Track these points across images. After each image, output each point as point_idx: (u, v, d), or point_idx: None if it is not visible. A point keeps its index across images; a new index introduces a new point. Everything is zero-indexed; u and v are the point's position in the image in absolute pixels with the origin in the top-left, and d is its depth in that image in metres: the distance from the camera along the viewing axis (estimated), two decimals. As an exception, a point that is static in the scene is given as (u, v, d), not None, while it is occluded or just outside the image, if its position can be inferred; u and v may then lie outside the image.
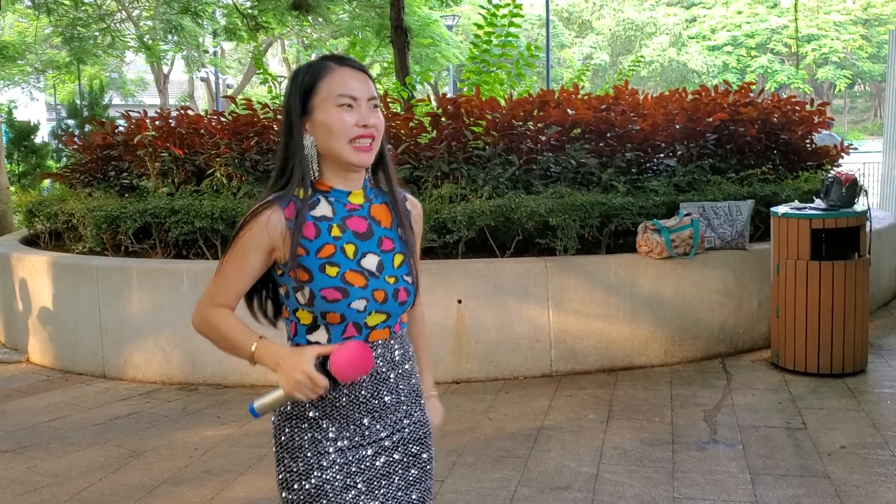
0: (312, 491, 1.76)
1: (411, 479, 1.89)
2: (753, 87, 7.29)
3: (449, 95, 7.78)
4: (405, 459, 1.89)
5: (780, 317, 5.38)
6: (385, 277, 1.81)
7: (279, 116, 6.46)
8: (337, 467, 1.78)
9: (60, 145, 15.12)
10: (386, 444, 1.85)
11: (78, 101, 18.34)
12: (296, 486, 1.77)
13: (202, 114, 7.30)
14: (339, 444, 1.79)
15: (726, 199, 6.02)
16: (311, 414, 1.79)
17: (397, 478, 1.87)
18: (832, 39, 43.14)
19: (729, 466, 3.95)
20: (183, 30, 16.88)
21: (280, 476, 1.81)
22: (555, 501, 3.62)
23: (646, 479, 3.82)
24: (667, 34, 45.07)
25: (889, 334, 6.22)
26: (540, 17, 39.17)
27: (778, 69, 43.92)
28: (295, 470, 1.78)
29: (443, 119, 6.10)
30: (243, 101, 6.78)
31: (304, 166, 1.78)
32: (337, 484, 1.77)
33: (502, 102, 6.40)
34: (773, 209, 5.52)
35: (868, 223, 5.35)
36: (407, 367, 1.90)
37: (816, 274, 5.18)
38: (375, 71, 24.57)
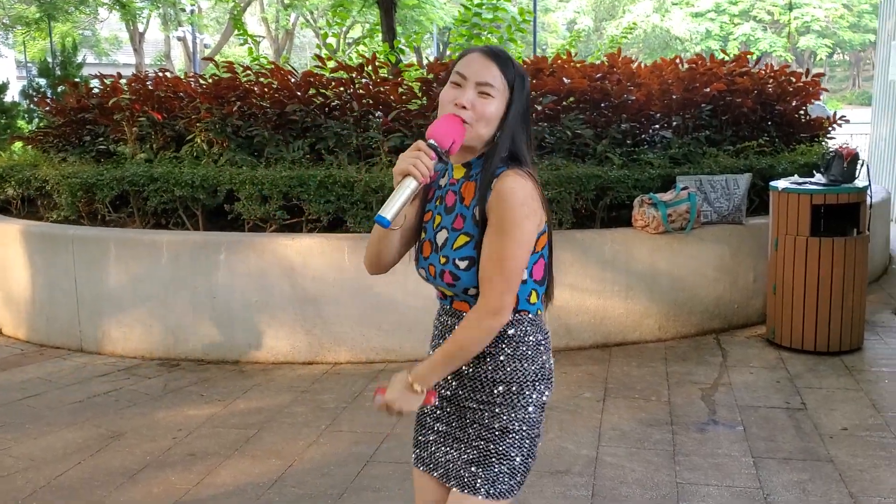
0: (419, 415, 2.06)
1: (471, 458, 1.92)
2: (751, 56, 7.12)
3: (434, 60, 7.55)
4: (474, 437, 1.93)
5: (778, 293, 5.27)
6: (440, 256, 1.87)
7: (261, 79, 6.24)
8: (433, 407, 2.00)
9: (32, 106, 14.66)
10: (468, 413, 1.94)
11: (49, 60, 17.81)
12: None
13: (180, 76, 7.02)
14: (439, 389, 1.98)
15: (723, 172, 5.88)
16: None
17: (464, 447, 1.94)
18: (815, 8, 42.96)
19: (730, 449, 3.85)
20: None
21: None
22: (555, 486, 3.51)
23: (647, 462, 3.71)
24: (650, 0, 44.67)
25: (882, 310, 6.15)
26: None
27: (760, 37, 43.70)
28: None
29: (434, 85, 5.88)
30: (224, 63, 6.51)
31: None
32: (429, 419, 2.03)
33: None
34: (772, 184, 5.38)
35: (869, 199, 5.24)
36: (492, 350, 1.88)
37: (816, 250, 5.07)
38: (357, 32, 24.13)
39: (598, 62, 6.95)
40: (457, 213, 1.88)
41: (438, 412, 2.01)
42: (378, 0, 9.21)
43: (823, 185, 5.18)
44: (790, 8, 35.66)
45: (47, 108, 7.42)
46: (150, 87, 6.41)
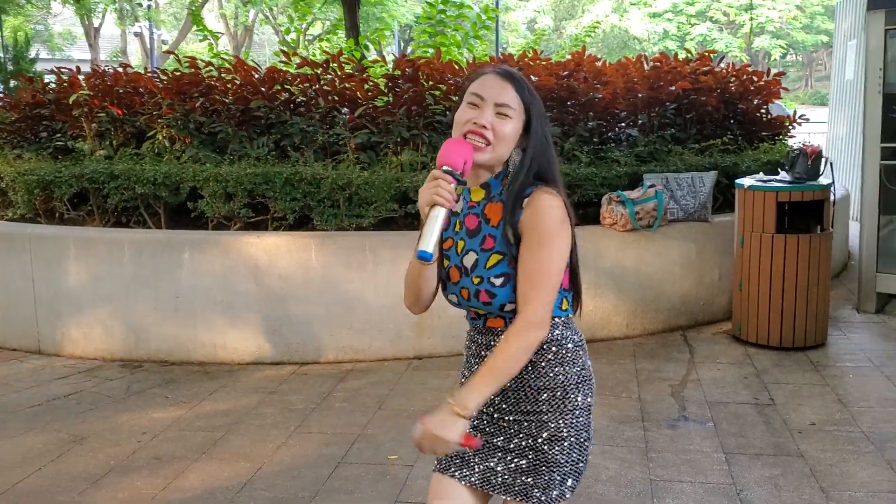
0: None
1: (521, 468, 1.92)
2: (714, 54, 7.18)
3: (397, 57, 7.48)
4: (521, 448, 1.92)
5: (744, 290, 5.32)
6: (473, 277, 1.88)
7: (223, 75, 6.12)
8: (472, 423, 1.91)
9: (-17, 102, 14.27)
10: (513, 426, 1.93)
11: (1, 54, 17.35)
12: None
13: (140, 71, 6.86)
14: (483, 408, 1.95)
15: (689, 169, 5.92)
16: (462, 367, 2.07)
17: (509, 457, 1.93)
18: (769, 9, 43.66)
19: (702, 445, 3.86)
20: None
21: None
22: (529, 486, 3.48)
23: (620, 459, 3.71)
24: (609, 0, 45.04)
25: (843, 306, 6.24)
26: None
27: (717, 38, 44.30)
28: None
29: (400, 82, 5.83)
30: (186, 59, 6.38)
31: None
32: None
33: (464, 65, 6.15)
34: (738, 181, 5.43)
35: (832, 196, 5.31)
36: (532, 358, 1.86)
37: (781, 247, 5.13)
38: (317, 30, 23.94)
39: (563, 60, 6.95)
40: (484, 234, 1.89)
41: (476, 422, 1.96)
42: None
43: (788, 182, 5.24)
44: (750, 7, 36.20)
45: (0, 104, 7.20)
46: (109, 83, 6.26)
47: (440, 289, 1.98)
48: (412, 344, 5.16)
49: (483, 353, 1.95)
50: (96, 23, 25.13)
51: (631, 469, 3.62)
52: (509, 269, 1.84)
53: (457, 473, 1.98)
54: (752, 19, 39.52)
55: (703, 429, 4.06)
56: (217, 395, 4.64)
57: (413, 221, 5.35)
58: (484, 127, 1.81)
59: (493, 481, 1.95)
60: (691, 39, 43.47)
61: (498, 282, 1.84)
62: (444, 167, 1.75)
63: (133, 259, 5.18)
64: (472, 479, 1.97)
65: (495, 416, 1.95)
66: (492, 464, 1.95)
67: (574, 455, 1.91)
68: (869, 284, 6.00)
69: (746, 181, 5.34)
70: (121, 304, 5.23)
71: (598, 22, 16.88)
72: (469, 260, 1.89)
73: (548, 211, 1.81)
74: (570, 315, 1.98)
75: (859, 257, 6.13)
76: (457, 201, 1.90)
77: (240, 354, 5.16)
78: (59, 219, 5.85)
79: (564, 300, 1.94)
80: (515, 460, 1.92)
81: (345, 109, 5.83)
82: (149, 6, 25.38)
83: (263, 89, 5.91)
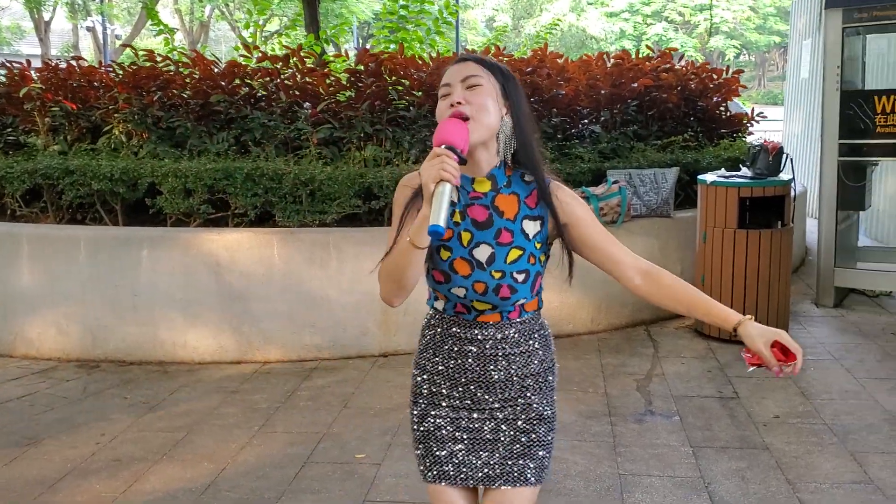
0: (426, 433, 1.98)
1: (515, 452, 1.95)
2: (675, 51, 7.24)
3: (360, 52, 7.40)
4: (512, 433, 1.95)
5: (706, 284, 5.36)
6: (492, 271, 1.85)
7: (181, 69, 6.00)
8: (448, 420, 1.96)
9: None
10: (497, 415, 1.95)
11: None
12: (414, 428, 2.02)
13: (95, 65, 6.69)
14: (451, 401, 1.96)
15: (651, 166, 5.95)
16: (429, 368, 1.99)
17: (501, 447, 1.95)
18: (723, 10, 44.32)
19: (669, 439, 3.87)
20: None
21: (409, 417, 2.05)
22: (498, 483, 3.45)
23: (589, 454, 3.70)
24: (567, -1, 45.32)
25: (802, 301, 6.33)
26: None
27: (672, 37, 44.86)
28: (416, 413, 2.01)
29: (363, 77, 5.77)
30: (144, 52, 6.24)
31: None
32: (444, 432, 1.96)
33: (428, 61, 6.10)
34: (700, 177, 5.47)
35: (793, 192, 5.37)
36: (522, 349, 1.94)
37: (743, 242, 5.18)
38: (274, 26, 23.66)
39: (525, 57, 6.95)
40: (498, 227, 1.86)
41: (460, 421, 1.96)
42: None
43: (750, 178, 5.29)
44: (710, 7, 36.77)
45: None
46: (62, 76, 6.09)
47: (437, 282, 1.91)
48: (378, 341, 5.10)
49: (467, 347, 1.93)
50: (47, 17, 24.54)
51: (600, 464, 3.61)
52: (528, 266, 1.86)
53: (459, 480, 1.97)
54: (710, 18, 40.10)
55: (670, 423, 4.08)
56: (177, 394, 4.54)
57: (377, 217, 5.29)
58: (459, 103, 1.79)
59: (493, 474, 1.95)
60: (647, 39, 43.92)
61: (520, 277, 1.85)
62: (445, 145, 1.71)
63: (90, 257, 5.05)
64: (472, 482, 1.97)
65: (481, 410, 1.96)
66: (485, 459, 1.96)
67: (553, 432, 2.01)
68: (827, 279, 6.09)
69: (709, 177, 5.38)
70: (77, 303, 5.09)
71: (558, 19, 16.95)
72: (482, 253, 1.85)
73: (576, 198, 1.93)
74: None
75: (818, 252, 6.22)
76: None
77: (200, 353, 5.05)
78: (11, 216, 5.68)
79: (538, 298, 1.99)
80: (511, 447, 1.95)
81: (307, 104, 5.75)
82: (102, 0, 24.86)
83: (223, 83, 5.81)
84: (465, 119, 1.77)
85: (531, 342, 1.95)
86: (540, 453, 1.96)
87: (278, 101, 5.75)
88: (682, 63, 7.38)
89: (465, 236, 1.87)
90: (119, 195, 5.33)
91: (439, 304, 1.97)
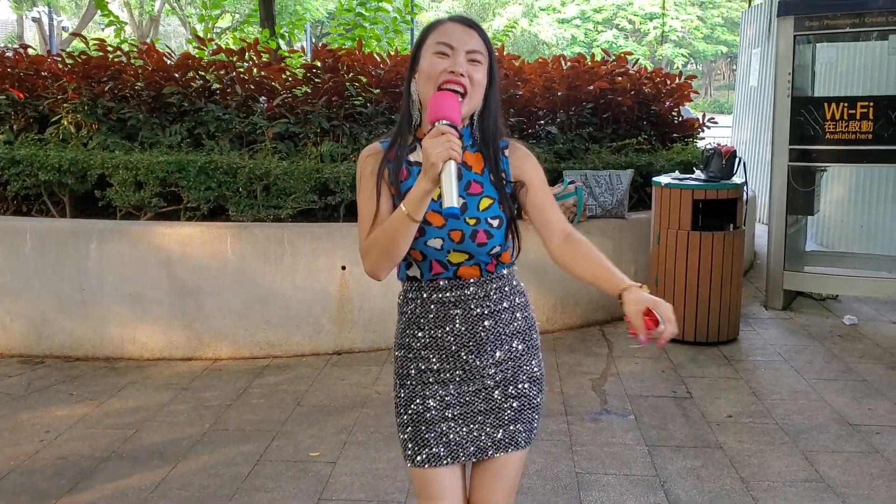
0: (413, 415, 1.95)
1: (507, 418, 1.96)
2: (631, 56, 7.31)
3: (317, 47, 7.33)
4: (502, 399, 1.95)
5: (660, 286, 5.41)
6: (465, 218, 1.86)
7: (133, 60, 5.86)
8: (438, 398, 1.94)
9: None
10: (489, 382, 1.95)
11: None
12: (400, 412, 1.98)
13: (43, 55, 6.50)
14: (441, 375, 1.94)
15: (606, 167, 6.00)
16: (415, 344, 1.95)
17: (493, 416, 1.95)
18: (672, 19, 45.07)
19: (625, 438, 3.89)
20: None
21: (394, 401, 2.02)
22: (455, 480, 3.43)
23: (545, 453, 3.69)
24: (519, 4, 45.64)
25: (752, 303, 6.43)
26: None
27: (622, 45, 45.50)
28: (402, 396, 1.97)
29: (320, 72, 5.70)
30: (95, 41, 6.08)
31: (406, 113, 1.91)
32: (434, 413, 1.94)
33: (386, 58, 6.06)
34: (655, 179, 5.53)
35: (745, 195, 5.46)
36: (505, 305, 1.95)
37: (696, 244, 5.24)
38: (225, 22, 23.35)
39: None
40: (467, 179, 1.89)
41: (445, 397, 1.95)
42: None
43: (703, 181, 5.36)
44: (662, 16, 37.43)
45: None
46: (7, 65, 5.90)
47: (415, 238, 1.88)
48: (332, 339, 5.04)
49: (452, 311, 1.92)
50: (-10, 6, 23.86)
51: (557, 463, 3.61)
52: (501, 212, 1.89)
53: (449, 459, 1.95)
54: (662, 25, 40.78)
55: (625, 422, 4.10)
56: (126, 391, 4.42)
57: (333, 213, 5.23)
58: (462, 75, 1.79)
59: (485, 445, 1.96)
60: (598, 46, 44.50)
61: (495, 223, 1.88)
62: (445, 122, 1.69)
63: (35, 249, 4.90)
64: (468, 454, 1.96)
65: (463, 381, 1.95)
66: (476, 429, 1.96)
67: (542, 394, 2.03)
68: (777, 282, 6.21)
69: (663, 179, 5.44)
70: (21, 297, 4.93)
71: (515, 21, 17.04)
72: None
73: (531, 158, 1.98)
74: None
75: (767, 256, 6.34)
76: (411, 153, 1.94)
77: (149, 349, 4.93)
78: (-48, 206, 5.48)
79: (510, 250, 2.01)
80: (501, 414, 1.96)
81: (262, 98, 5.66)
82: (48, -9, 24.27)
83: (177, 75, 5.69)
84: (463, 94, 1.79)
85: (513, 297, 1.98)
86: (530, 415, 1.99)
87: (234, 94, 5.66)
88: (636, 68, 7.46)
89: (436, 192, 1.84)
90: (67, 187, 5.19)
91: (413, 272, 1.95)
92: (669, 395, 4.46)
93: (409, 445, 1.96)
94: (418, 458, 1.95)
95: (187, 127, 5.49)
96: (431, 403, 1.94)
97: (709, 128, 8.05)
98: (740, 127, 11.30)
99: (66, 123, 5.56)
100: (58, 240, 4.92)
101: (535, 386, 2.00)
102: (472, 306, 1.92)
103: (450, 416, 1.94)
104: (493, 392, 1.96)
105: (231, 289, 4.92)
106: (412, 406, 1.95)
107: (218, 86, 5.77)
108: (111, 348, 4.92)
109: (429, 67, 1.82)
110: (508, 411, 1.96)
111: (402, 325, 2.00)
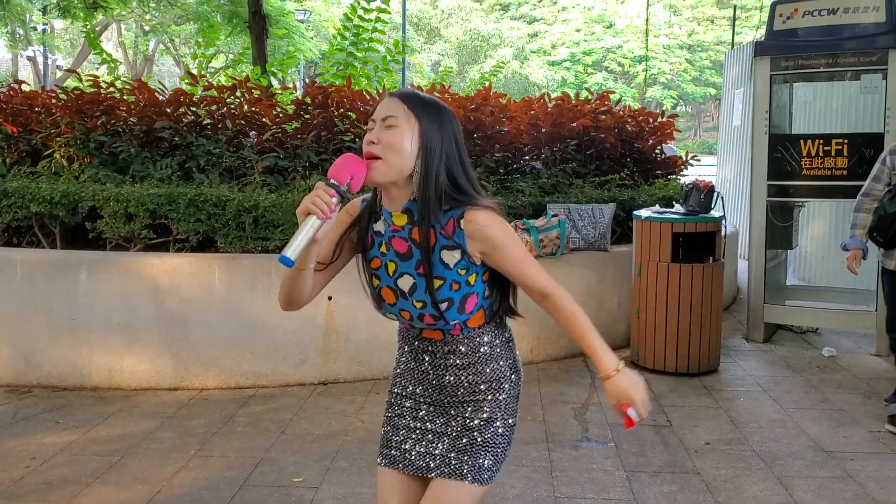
0: (390, 418, 2.11)
1: (459, 447, 1.99)
2: (613, 95, 7.49)
3: (308, 84, 7.49)
4: (459, 429, 2.00)
5: (641, 317, 5.51)
6: (413, 301, 1.93)
7: (126, 97, 5.99)
8: (409, 409, 2.08)
9: None
10: (451, 411, 2.02)
11: None
12: (386, 410, 2.15)
13: (37, 90, 6.64)
14: (415, 395, 2.07)
15: (589, 202, 6.12)
16: (401, 366, 2.12)
17: (448, 440, 2.00)
18: (661, 62, 45.81)
19: (604, 464, 3.95)
20: (9, 3, 15.53)
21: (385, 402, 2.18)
22: None
23: (525, 478, 3.75)
24: (511, 47, 46.34)
25: (733, 335, 6.53)
26: (392, 20, 39.13)
27: (612, 87, 46.12)
28: (388, 401, 2.15)
29: (310, 108, 5.84)
30: (89, 77, 6.21)
31: None
32: (404, 420, 2.07)
33: (375, 95, 6.21)
34: (635, 213, 5.65)
35: (723, 229, 5.58)
36: (474, 359, 1.99)
37: (676, 276, 5.34)
38: (220, 62, 23.64)
39: (470, 95, 7.12)
40: (417, 258, 1.91)
41: (417, 412, 2.07)
42: (249, 25, 9.08)
43: (683, 214, 5.48)
44: (647, 59, 38.07)
45: None
46: (2, 99, 6.03)
47: (375, 305, 2.02)
48: (318, 369, 5.10)
49: (421, 355, 2.04)
50: (-14, 46, 24.13)
51: (536, 487, 3.67)
52: (451, 292, 1.90)
53: (400, 465, 2.06)
54: (647, 69, 41.40)
55: (605, 448, 4.16)
56: (112, 419, 4.46)
57: (320, 246, 5.32)
58: (372, 143, 1.83)
59: (431, 464, 2.02)
60: (587, 88, 45.11)
61: (443, 306, 1.90)
62: (330, 180, 1.75)
63: (25, 279, 4.96)
64: (413, 467, 2.04)
65: (432, 405, 2.05)
66: (428, 450, 2.03)
67: (506, 438, 2.03)
68: (757, 315, 6.31)
69: (644, 212, 5.56)
70: (10, 326, 4.98)
71: (503, 62, 17.33)
72: (405, 283, 1.93)
73: (493, 225, 1.87)
74: (503, 316, 2.09)
75: (748, 289, 6.44)
76: (375, 222, 1.98)
77: (136, 379, 4.98)
78: (-57, 238, 5.56)
79: (493, 304, 2.03)
80: (455, 441, 2.00)
81: (252, 133, 5.79)
82: (43, 30, 24.56)
83: (168, 110, 5.81)
84: (376, 158, 1.82)
85: (483, 349, 2.00)
86: (482, 456, 1.97)
87: (224, 129, 5.78)
88: (619, 107, 7.64)
89: (391, 266, 1.95)
90: (58, 218, 5.27)
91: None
92: (649, 424, 4.52)
93: (380, 444, 2.11)
94: (379, 456, 2.10)
95: (178, 160, 5.60)
96: (404, 412, 2.09)
97: (692, 165, 8.22)
98: (724, 165, 11.49)
99: (58, 157, 5.67)
100: (48, 270, 4.99)
101: (489, 427, 1.99)
102: (439, 357, 2.01)
103: (414, 427, 2.06)
104: (452, 421, 2.02)
105: (219, 319, 4.99)
106: (392, 409, 2.11)
107: (209, 121, 5.89)
108: (99, 378, 4.97)
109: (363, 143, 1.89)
110: (463, 440, 1.99)
111: (398, 343, 2.15)
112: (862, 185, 4.78)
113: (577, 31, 49.21)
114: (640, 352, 5.54)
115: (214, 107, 5.97)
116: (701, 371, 5.43)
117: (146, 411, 4.61)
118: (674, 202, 5.95)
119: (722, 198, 5.69)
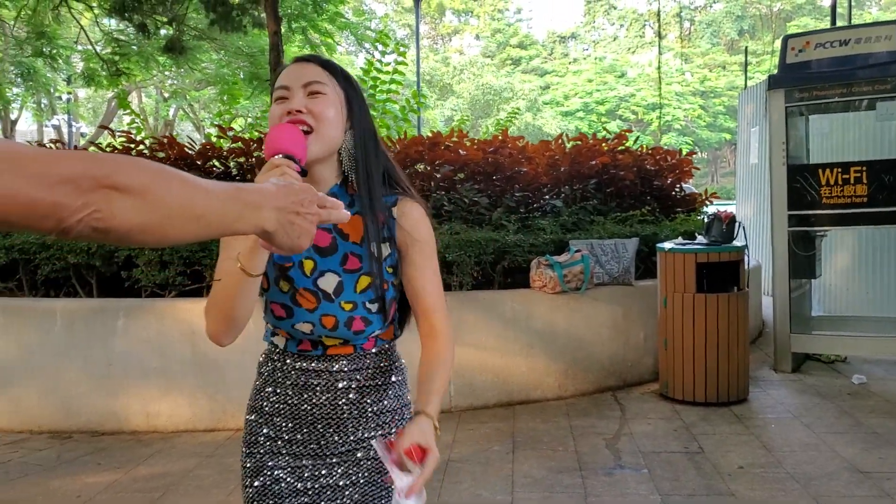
0: (260, 489, 1.67)
1: (372, 494, 1.68)
2: (630, 134, 7.64)
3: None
4: (367, 474, 1.68)
5: (669, 348, 5.55)
6: (341, 302, 1.62)
7: (157, 153, 6.19)
8: (289, 470, 1.67)
9: None
10: (350, 457, 1.67)
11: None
12: (245, 485, 1.69)
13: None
14: (292, 447, 1.67)
15: (611, 237, 6.21)
16: (267, 409, 1.70)
17: (357, 492, 1.67)
18: (675, 108, 46.22)
19: (638, 489, 3.98)
20: (36, 73, 16.05)
21: (240, 472, 1.73)
22: (474, 530, 3.52)
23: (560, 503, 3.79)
24: (523, 99, 46.96)
25: (762, 367, 6.53)
26: (406, 78, 39.85)
27: (627, 135, 46.44)
28: (248, 467, 1.70)
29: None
30: (122, 132, 6.44)
31: None
32: (283, 485, 1.66)
33: (395, 142, 6.38)
34: (658, 245, 5.73)
35: (746, 258, 5.64)
36: (378, 382, 1.70)
37: (702, 306, 5.40)
38: (239, 126, 24.17)
39: (488, 139, 7.29)
40: (343, 252, 1.63)
41: (303, 470, 1.67)
42: (271, 83, 9.36)
43: (705, 244, 5.56)
44: (660, 107, 38.53)
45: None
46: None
47: (277, 318, 1.66)
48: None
49: (312, 381, 1.67)
50: (13, 116, 24.82)
51: (572, 512, 3.70)
52: (380, 291, 1.65)
53: None
54: (660, 116, 41.79)
55: (639, 475, 4.18)
56: (152, 459, 4.55)
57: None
58: (300, 111, 1.56)
59: None
60: (605, 128, 45.45)
61: (374, 308, 1.64)
62: (281, 154, 1.45)
63: (65, 328, 5.10)
64: None
65: (332, 458, 1.67)
66: None
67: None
68: (784, 345, 6.32)
69: (667, 244, 5.65)
70: (51, 374, 5.11)
71: (518, 109, 17.59)
72: (328, 283, 1.62)
73: (424, 220, 1.67)
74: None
75: (773, 320, 6.46)
76: None
77: (174, 422, 5.07)
78: (-16, 292, 5.72)
79: (395, 326, 1.78)
80: (365, 488, 1.68)
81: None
82: (68, 100, 25.30)
83: (198, 163, 6.00)
84: (308, 132, 1.55)
85: (389, 374, 1.73)
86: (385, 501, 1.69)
87: (252, 180, 5.94)
88: (637, 146, 7.78)
89: (308, 265, 1.63)
90: (95, 269, 5.43)
91: (279, 341, 1.70)
92: (681, 451, 4.54)
93: None
94: None
95: (209, 210, 5.75)
96: (281, 474, 1.67)
97: (711, 203, 8.31)
98: (744, 204, 11.55)
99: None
100: (86, 318, 5.13)
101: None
102: (338, 378, 1.66)
103: (302, 489, 1.66)
104: (353, 467, 1.67)
105: (252, 359, 5.05)
106: (259, 478, 1.68)
107: (237, 172, 6.08)
108: (137, 422, 5.06)
109: (271, 113, 1.60)
110: (373, 487, 1.68)
111: (257, 386, 1.76)
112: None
113: (590, 81, 49.88)
114: (669, 383, 5.57)
115: (242, 158, 6.16)
116: (730, 400, 5.44)
117: (185, 451, 4.69)
118: (696, 234, 6.03)
119: (743, 227, 5.77)
